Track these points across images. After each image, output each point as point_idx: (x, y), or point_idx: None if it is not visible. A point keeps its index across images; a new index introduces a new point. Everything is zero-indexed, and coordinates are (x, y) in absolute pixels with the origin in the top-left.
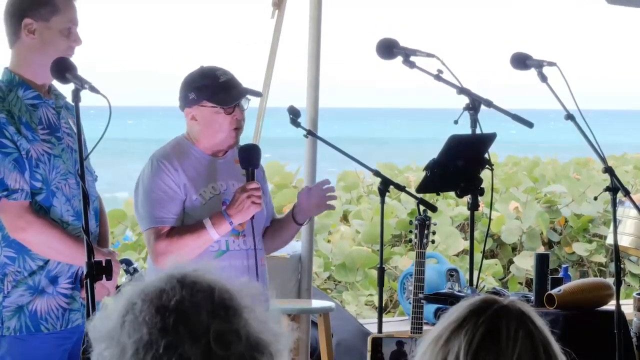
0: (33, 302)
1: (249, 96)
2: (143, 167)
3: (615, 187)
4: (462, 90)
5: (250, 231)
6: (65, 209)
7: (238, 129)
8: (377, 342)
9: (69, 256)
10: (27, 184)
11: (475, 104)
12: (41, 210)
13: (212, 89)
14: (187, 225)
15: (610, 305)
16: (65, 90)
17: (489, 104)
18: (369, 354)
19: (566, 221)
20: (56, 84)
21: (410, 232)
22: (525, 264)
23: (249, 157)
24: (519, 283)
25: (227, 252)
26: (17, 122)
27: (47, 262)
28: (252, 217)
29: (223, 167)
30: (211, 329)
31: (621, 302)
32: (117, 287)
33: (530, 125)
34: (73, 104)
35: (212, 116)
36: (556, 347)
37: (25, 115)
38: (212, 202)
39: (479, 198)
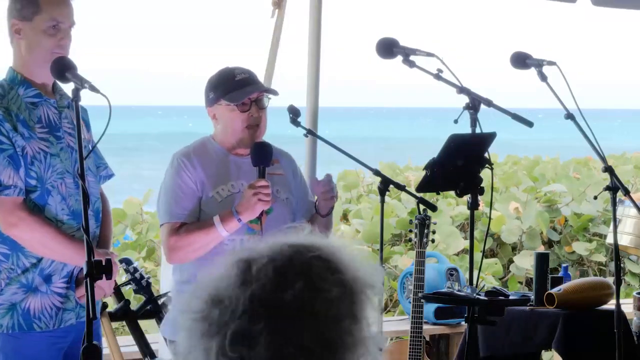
0: (26, 300)
1: (268, 95)
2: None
3: (615, 186)
4: (462, 90)
5: (267, 231)
6: (60, 208)
7: (253, 126)
8: None
9: (62, 255)
10: (22, 180)
11: (475, 103)
12: (35, 208)
13: (228, 87)
14: (197, 222)
15: (610, 305)
16: (66, 89)
17: (488, 103)
18: None
19: (566, 220)
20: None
21: (410, 231)
22: (525, 263)
23: (260, 154)
24: (519, 282)
25: None
26: (14, 120)
27: (40, 259)
28: (261, 215)
29: (246, 166)
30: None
31: (621, 301)
32: (117, 287)
33: (530, 124)
34: (73, 103)
35: (229, 114)
36: None
37: (23, 113)
38: (227, 200)
39: (479, 197)
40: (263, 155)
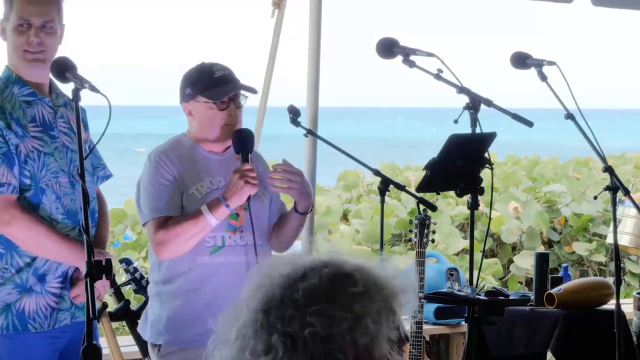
0: (20, 300)
1: (245, 93)
2: (143, 166)
3: (615, 186)
4: (462, 90)
5: (248, 226)
6: (55, 207)
7: (231, 125)
8: None
9: (56, 253)
10: (15, 178)
11: (475, 103)
12: (30, 207)
13: (206, 83)
14: (184, 214)
15: (610, 305)
16: (66, 89)
17: (488, 103)
18: None
19: (566, 220)
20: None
21: (410, 231)
22: (525, 263)
23: (242, 140)
24: (519, 282)
25: (223, 248)
26: (8, 118)
27: (34, 259)
28: (249, 202)
29: (222, 163)
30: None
31: (621, 301)
32: (117, 287)
33: (530, 124)
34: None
35: (206, 111)
36: None
37: (17, 111)
38: (208, 197)
39: (479, 197)
40: (245, 141)
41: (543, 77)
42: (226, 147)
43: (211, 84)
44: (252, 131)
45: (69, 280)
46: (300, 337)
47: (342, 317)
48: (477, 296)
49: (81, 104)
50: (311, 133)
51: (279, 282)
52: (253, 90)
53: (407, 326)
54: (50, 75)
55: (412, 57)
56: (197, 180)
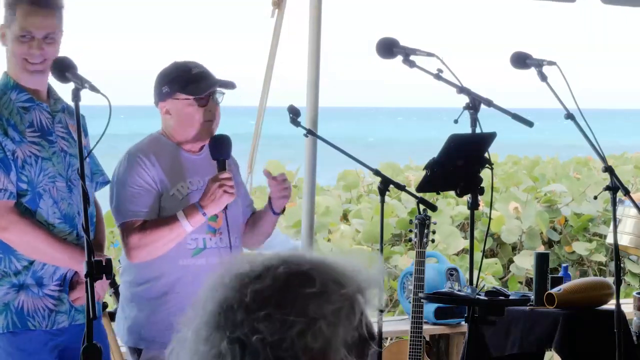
0: (18, 298)
1: (223, 90)
2: (118, 162)
3: (615, 186)
4: (462, 90)
5: (226, 228)
6: (52, 212)
7: (211, 121)
8: None
9: (54, 258)
10: (13, 184)
11: (475, 103)
12: (27, 212)
13: (185, 80)
14: (160, 218)
15: (610, 305)
16: (66, 89)
17: (489, 103)
18: None
19: (566, 220)
20: (56, 83)
21: (410, 231)
22: (525, 263)
23: (219, 147)
24: (519, 282)
25: (205, 250)
26: (5, 124)
27: (32, 262)
28: (225, 210)
29: (200, 163)
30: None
31: (621, 301)
32: (117, 287)
33: (530, 124)
34: (72, 103)
35: (185, 109)
36: None
37: (14, 117)
38: (188, 198)
39: (479, 197)
40: (222, 148)
41: (543, 77)
42: (202, 146)
43: (190, 81)
44: (229, 136)
45: (67, 283)
46: (250, 344)
47: (293, 322)
48: (477, 296)
49: (81, 104)
50: (311, 133)
51: (233, 284)
52: (232, 85)
53: (407, 326)
54: (49, 81)
55: (412, 57)
56: (178, 180)
